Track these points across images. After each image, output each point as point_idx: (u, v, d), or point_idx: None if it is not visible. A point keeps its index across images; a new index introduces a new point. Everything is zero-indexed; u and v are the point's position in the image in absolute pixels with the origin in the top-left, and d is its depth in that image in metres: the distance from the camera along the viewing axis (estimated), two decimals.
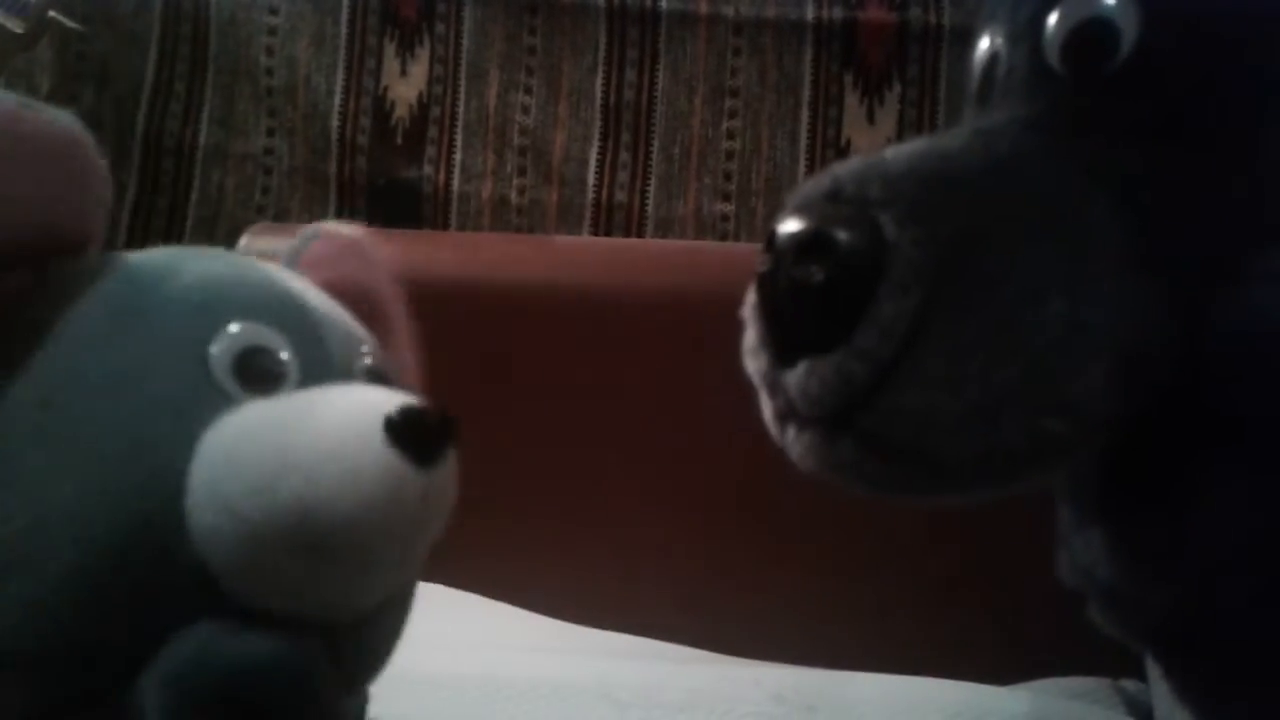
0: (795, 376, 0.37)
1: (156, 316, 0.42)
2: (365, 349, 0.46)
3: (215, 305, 0.42)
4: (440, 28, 1.28)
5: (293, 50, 1.30)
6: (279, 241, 1.17)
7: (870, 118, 1.21)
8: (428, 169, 1.28)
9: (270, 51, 1.30)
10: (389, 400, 0.39)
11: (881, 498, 0.38)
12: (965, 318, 0.35)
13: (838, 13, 1.21)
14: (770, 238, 0.38)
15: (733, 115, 1.23)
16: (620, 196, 1.24)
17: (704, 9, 1.23)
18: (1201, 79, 0.37)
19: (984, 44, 0.43)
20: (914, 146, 0.38)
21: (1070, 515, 0.41)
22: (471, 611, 0.92)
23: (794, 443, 0.39)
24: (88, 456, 0.39)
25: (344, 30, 1.29)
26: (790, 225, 0.37)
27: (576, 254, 1.17)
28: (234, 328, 0.42)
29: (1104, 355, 0.35)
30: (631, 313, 1.05)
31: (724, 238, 1.22)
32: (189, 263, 0.45)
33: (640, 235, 1.24)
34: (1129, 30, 0.37)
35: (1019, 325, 0.35)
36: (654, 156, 1.24)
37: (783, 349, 0.38)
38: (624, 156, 1.25)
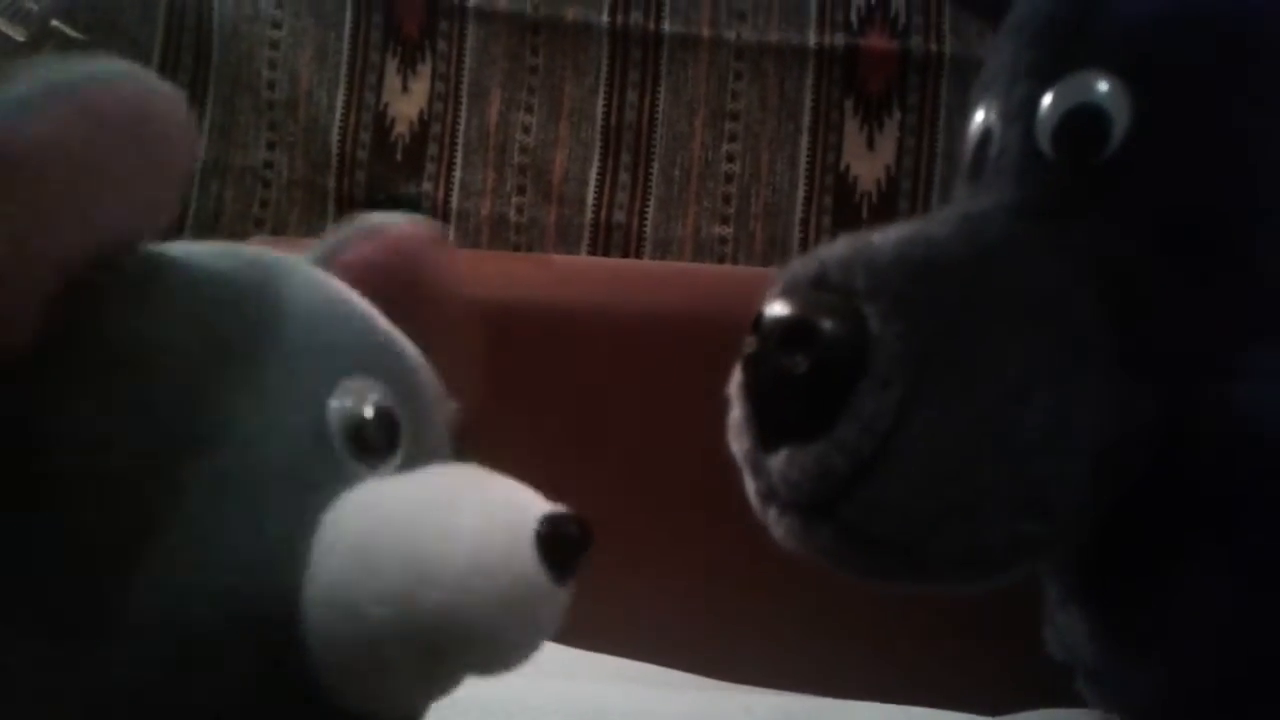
0: (777, 462, 0.37)
1: (275, 364, 0.36)
2: (445, 401, 0.43)
3: (330, 352, 0.38)
4: (442, 45, 1.28)
5: (294, 64, 1.30)
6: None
7: (870, 144, 1.22)
8: (427, 186, 1.28)
9: (272, 65, 1.30)
10: (535, 507, 0.38)
11: (862, 582, 0.38)
12: (946, 415, 0.35)
13: (839, 39, 1.21)
14: (757, 320, 0.38)
15: (733, 139, 1.23)
16: (619, 217, 1.24)
17: (706, 32, 1.23)
18: (1194, 173, 0.37)
19: (979, 117, 0.43)
20: (901, 231, 0.38)
21: (1054, 592, 0.41)
22: None
23: (775, 524, 0.38)
24: (192, 535, 0.34)
25: (346, 45, 1.29)
26: (777, 309, 0.37)
27: (575, 273, 1.17)
28: (350, 382, 0.37)
29: (1086, 455, 0.35)
30: (629, 333, 1.05)
31: (722, 260, 1.22)
32: (283, 283, 0.39)
33: (639, 256, 1.24)
34: (1121, 119, 0.37)
35: (1001, 424, 0.35)
36: (654, 178, 1.24)
37: (766, 433, 0.37)
38: (624, 177, 1.25)
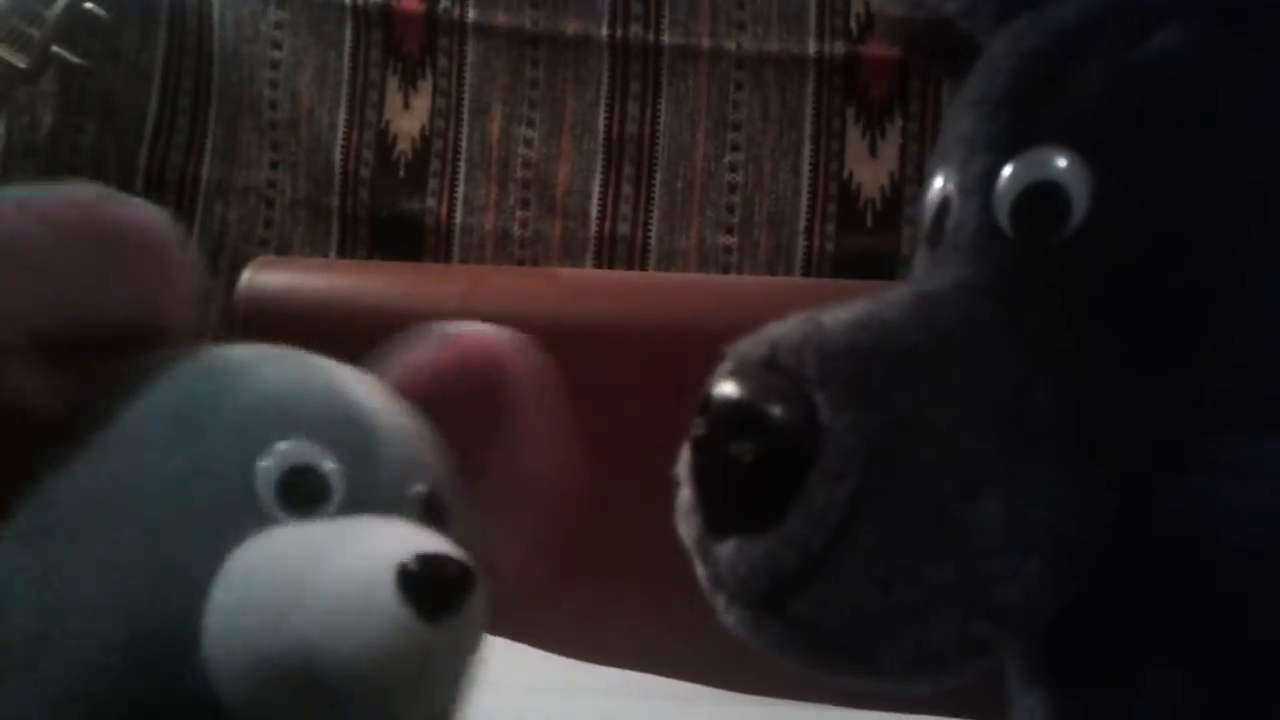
0: (725, 552, 0.36)
1: (214, 426, 0.41)
2: (424, 473, 0.45)
3: (271, 419, 0.42)
4: (443, 61, 1.28)
5: (296, 84, 1.30)
6: (282, 275, 1.17)
7: (872, 151, 1.21)
8: (430, 202, 1.28)
9: (273, 85, 1.30)
10: (408, 545, 0.38)
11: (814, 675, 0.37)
12: (898, 511, 0.34)
13: (839, 47, 1.21)
14: (705, 401, 0.37)
15: (735, 149, 1.23)
16: (623, 229, 1.24)
17: (706, 43, 1.23)
18: (1153, 256, 0.35)
19: (937, 184, 0.42)
20: (854, 314, 0.37)
21: (1015, 676, 0.40)
22: None
23: (724, 613, 0.37)
24: (117, 563, 0.39)
25: (347, 64, 1.29)
26: (726, 391, 0.36)
27: (580, 287, 1.16)
28: (283, 445, 0.41)
29: (1041, 552, 0.34)
30: (635, 345, 1.04)
31: (726, 270, 1.22)
32: (264, 368, 0.44)
33: (643, 268, 1.24)
34: (1080, 198, 0.36)
35: (953, 523, 0.33)
36: (657, 189, 1.24)
37: (713, 521, 0.36)
38: (627, 189, 1.25)
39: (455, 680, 0.41)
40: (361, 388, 0.46)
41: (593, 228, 1.25)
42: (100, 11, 1.16)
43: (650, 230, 1.24)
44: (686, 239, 1.23)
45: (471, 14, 1.27)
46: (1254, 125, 0.35)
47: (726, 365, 0.37)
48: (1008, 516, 0.34)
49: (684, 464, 0.37)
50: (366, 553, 0.38)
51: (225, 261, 1.29)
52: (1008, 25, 0.41)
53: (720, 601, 0.37)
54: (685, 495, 0.37)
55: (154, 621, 0.38)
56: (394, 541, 0.39)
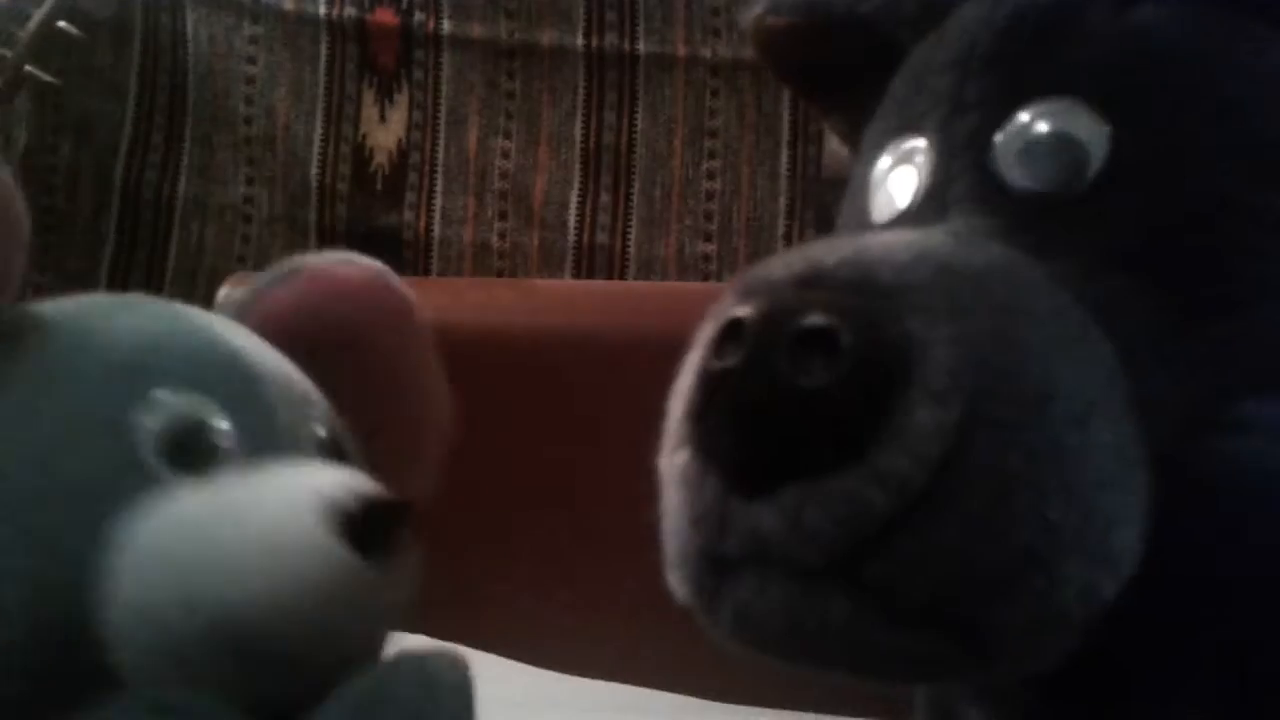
0: (769, 513, 0.29)
1: (71, 386, 0.38)
2: (318, 414, 0.42)
3: (140, 370, 0.38)
4: (418, 74, 1.28)
5: (271, 99, 1.30)
6: None
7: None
8: (408, 215, 1.27)
9: (249, 101, 1.30)
10: (331, 484, 0.35)
11: (860, 681, 0.31)
12: (1012, 439, 0.28)
13: None
14: (732, 327, 0.30)
15: (712, 156, 1.23)
16: (602, 239, 1.24)
17: (682, 51, 1.23)
18: (1177, 209, 0.33)
19: (884, 161, 0.39)
20: (896, 237, 0.32)
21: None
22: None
23: (751, 597, 0.30)
24: None
25: (322, 79, 1.29)
26: (764, 308, 0.30)
27: (559, 298, 1.16)
28: (161, 396, 0.38)
29: (1140, 495, 0.30)
30: (616, 355, 1.04)
31: (706, 278, 1.22)
32: (115, 318, 0.40)
33: (623, 277, 1.24)
34: (1098, 149, 0.34)
35: (1070, 452, 0.29)
36: (635, 198, 1.24)
37: (751, 472, 0.29)
38: (605, 199, 1.25)
39: (393, 623, 0.38)
40: (233, 330, 0.42)
41: (571, 238, 1.25)
42: (74, 30, 1.16)
43: (629, 239, 1.24)
44: (665, 247, 1.23)
45: (446, 26, 1.27)
46: (1258, 92, 0.35)
47: (743, 287, 0.31)
48: (1118, 450, 0.29)
49: (685, 415, 0.32)
50: (287, 498, 0.35)
51: (202, 279, 1.29)
52: (943, 17, 0.39)
53: (742, 587, 0.30)
54: (684, 457, 0.31)
55: (38, 602, 0.35)
56: (315, 482, 0.36)
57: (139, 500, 0.36)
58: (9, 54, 1.10)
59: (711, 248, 1.23)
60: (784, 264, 0.31)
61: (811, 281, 0.30)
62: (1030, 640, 0.29)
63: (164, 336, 0.40)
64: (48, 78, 1.16)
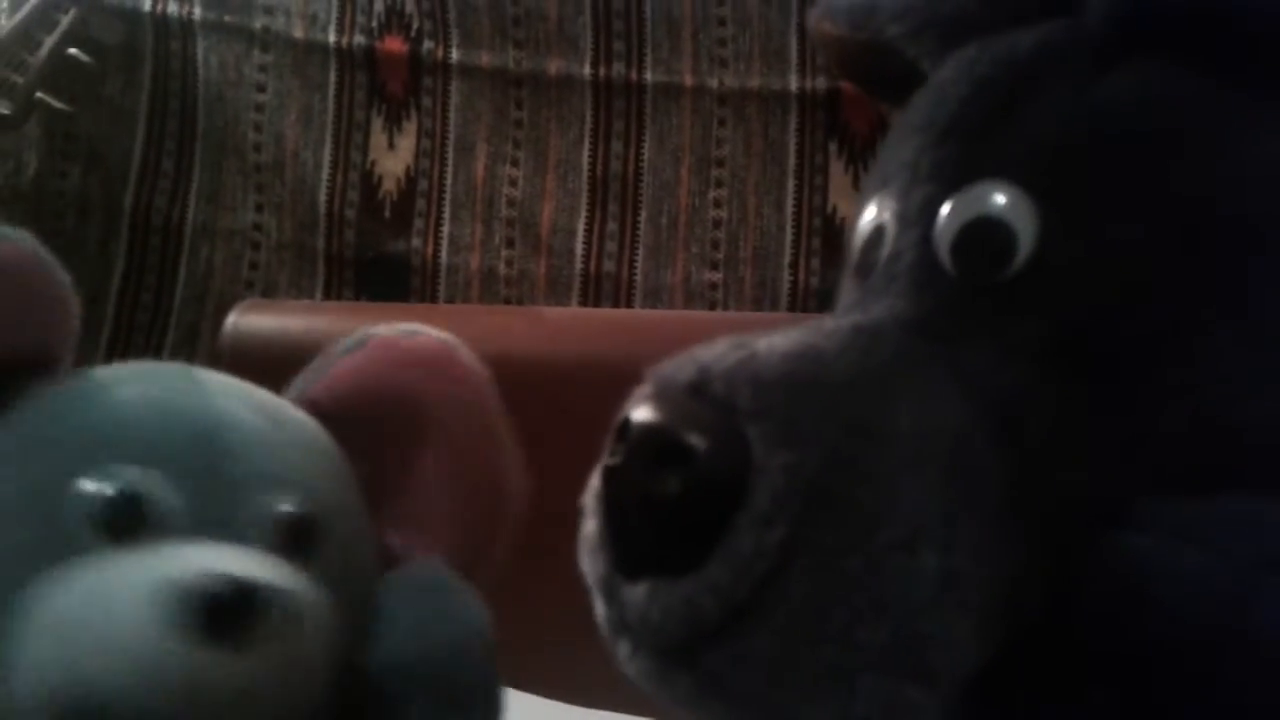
0: (636, 595, 0.32)
1: (37, 452, 0.39)
2: (291, 492, 0.42)
3: (102, 442, 0.40)
4: (427, 102, 1.28)
5: (280, 126, 1.30)
6: (268, 318, 1.17)
7: (856, 185, 1.22)
8: (416, 242, 1.28)
9: (258, 128, 1.31)
10: (194, 567, 0.36)
11: None
12: (831, 563, 0.31)
13: (821, 83, 1.22)
14: (623, 426, 0.33)
15: (719, 185, 1.24)
16: (609, 267, 1.24)
17: (689, 80, 1.24)
18: (1100, 303, 0.34)
19: (871, 211, 0.39)
20: (788, 342, 0.34)
21: None
22: None
23: (627, 662, 0.34)
24: None
25: (331, 106, 1.30)
26: (647, 416, 0.33)
27: (566, 325, 1.16)
28: (113, 468, 0.39)
29: (974, 611, 0.31)
30: (622, 383, 1.04)
31: (713, 306, 1.22)
32: (122, 388, 0.42)
33: (629, 305, 1.24)
34: (1026, 237, 0.34)
35: (890, 577, 0.31)
36: (642, 227, 1.24)
37: (625, 559, 0.33)
38: (612, 227, 1.25)
39: (271, 707, 0.38)
40: (230, 404, 0.43)
41: (578, 265, 1.25)
42: (84, 57, 1.16)
43: (635, 267, 1.24)
44: (672, 276, 1.23)
45: (455, 55, 1.27)
46: (1221, 173, 0.34)
47: (647, 388, 0.34)
48: (944, 573, 0.31)
49: (592, 494, 0.35)
50: (146, 578, 0.36)
51: (210, 304, 1.29)
52: (956, 51, 0.39)
53: (623, 648, 0.34)
54: (591, 528, 0.34)
55: None
56: (181, 564, 0.37)
57: (60, 569, 0.37)
58: (20, 80, 1.10)
59: (718, 276, 1.23)
60: (680, 366, 0.34)
61: (697, 390, 0.32)
62: None
63: (146, 409, 0.41)
64: (58, 104, 1.17)
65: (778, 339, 0.34)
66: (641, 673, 0.34)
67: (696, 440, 0.31)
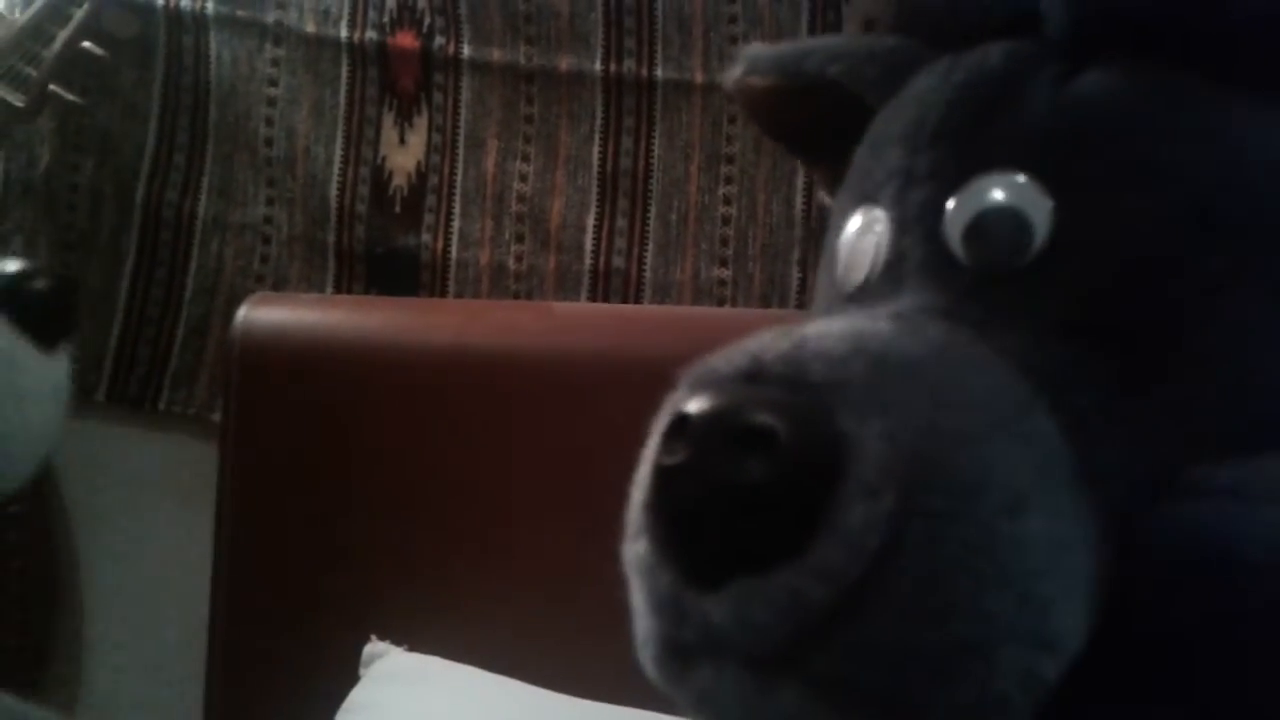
0: (724, 602, 0.29)
1: None
2: None
3: None
4: (438, 97, 1.29)
5: (292, 121, 1.31)
6: (278, 311, 1.17)
7: None
8: (426, 237, 1.28)
9: (269, 122, 1.31)
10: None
11: None
12: (945, 531, 0.29)
13: None
14: (679, 423, 0.31)
15: (729, 181, 1.24)
16: (618, 263, 1.25)
17: (699, 77, 1.24)
18: (1122, 278, 0.34)
19: (854, 223, 0.39)
20: (836, 327, 0.33)
21: None
22: (453, 681, 0.90)
23: (709, 684, 0.31)
24: None
25: (342, 101, 1.30)
26: (709, 405, 0.30)
27: (575, 320, 1.17)
28: None
29: (1083, 578, 0.30)
30: (630, 379, 1.04)
31: (721, 303, 1.23)
32: None
33: (638, 301, 1.24)
34: (1041, 222, 0.34)
35: (1004, 542, 0.29)
36: (651, 223, 1.25)
37: (700, 566, 0.30)
38: (621, 223, 1.25)
39: None
40: None
41: (587, 261, 1.25)
42: (98, 50, 1.17)
43: (645, 263, 1.24)
44: (681, 272, 1.24)
45: (466, 51, 1.27)
46: (1219, 144, 0.35)
47: (692, 384, 0.32)
48: (1053, 536, 0.30)
49: (641, 507, 0.32)
50: None
51: (222, 298, 1.30)
52: (901, 78, 0.39)
53: (703, 673, 0.31)
54: (644, 546, 0.32)
55: None
56: None
57: None
58: (33, 73, 1.11)
59: (727, 273, 1.23)
60: (728, 358, 0.32)
61: (753, 377, 0.31)
62: None
63: None
64: (71, 97, 1.17)
65: (820, 326, 0.33)
66: (733, 695, 0.30)
67: (774, 420, 0.29)
